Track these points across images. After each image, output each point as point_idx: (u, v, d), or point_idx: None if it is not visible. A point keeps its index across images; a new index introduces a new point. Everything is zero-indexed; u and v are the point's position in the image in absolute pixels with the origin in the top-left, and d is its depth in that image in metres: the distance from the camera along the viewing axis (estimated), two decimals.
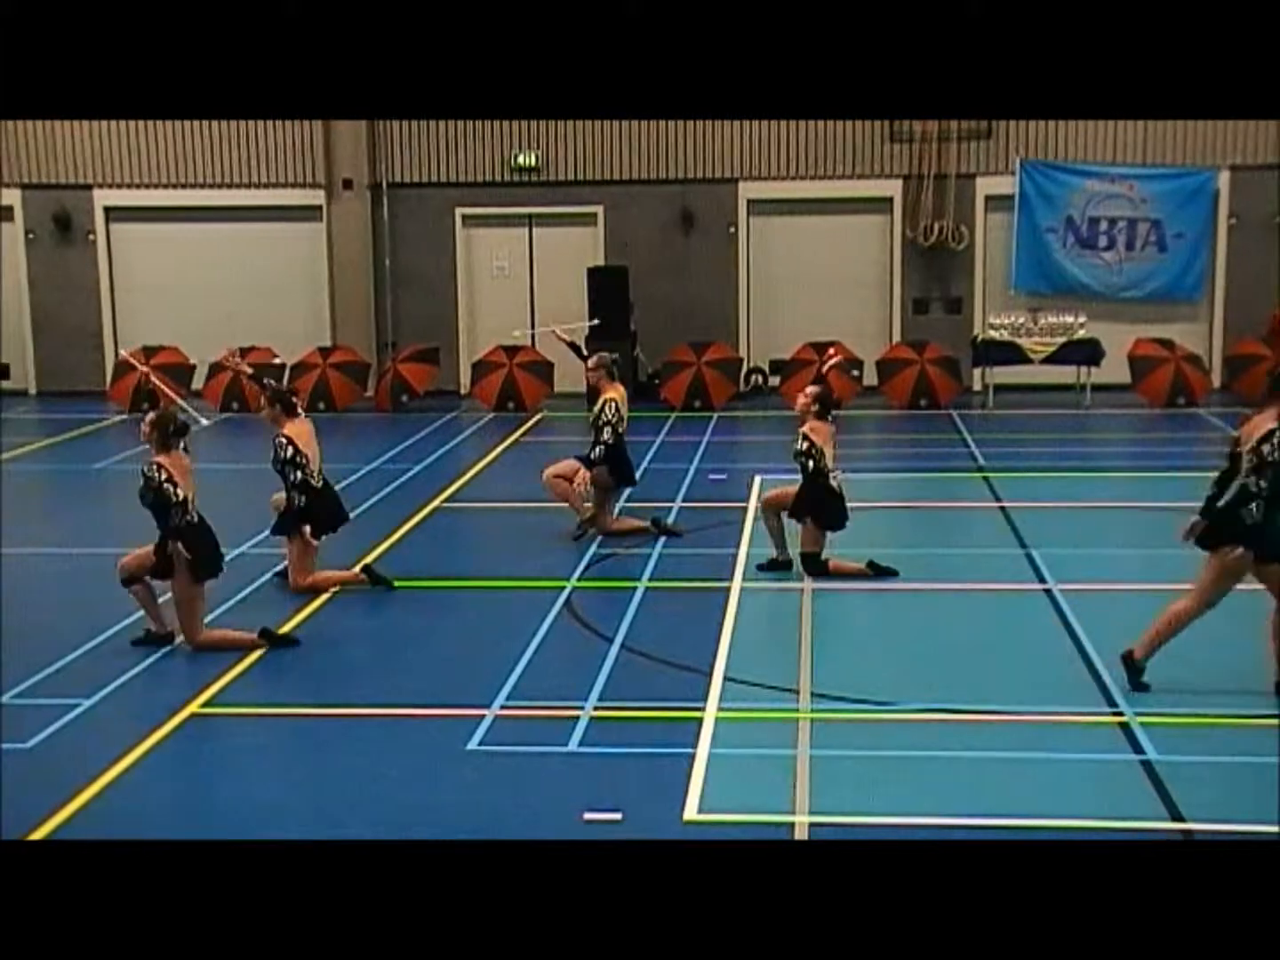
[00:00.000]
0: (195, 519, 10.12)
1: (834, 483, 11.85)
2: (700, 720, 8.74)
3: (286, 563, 11.78)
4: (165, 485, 9.96)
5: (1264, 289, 22.30)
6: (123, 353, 19.97)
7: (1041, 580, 11.74)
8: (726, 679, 9.49)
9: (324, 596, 11.55)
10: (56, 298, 24.05)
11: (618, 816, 7.38)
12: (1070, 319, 21.75)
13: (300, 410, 11.91)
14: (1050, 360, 21.65)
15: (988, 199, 22.98)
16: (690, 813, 7.46)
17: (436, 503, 15.16)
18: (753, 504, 14.41)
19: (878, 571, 11.77)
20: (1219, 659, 9.80)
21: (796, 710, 8.95)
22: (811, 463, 11.73)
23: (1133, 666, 9.16)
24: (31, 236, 24.02)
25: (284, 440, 11.45)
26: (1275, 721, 8.57)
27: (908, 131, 22.75)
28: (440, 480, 16.33)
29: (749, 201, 23.22)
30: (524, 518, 13.80)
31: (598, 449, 13.02)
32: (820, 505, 11.80)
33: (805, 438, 11.78)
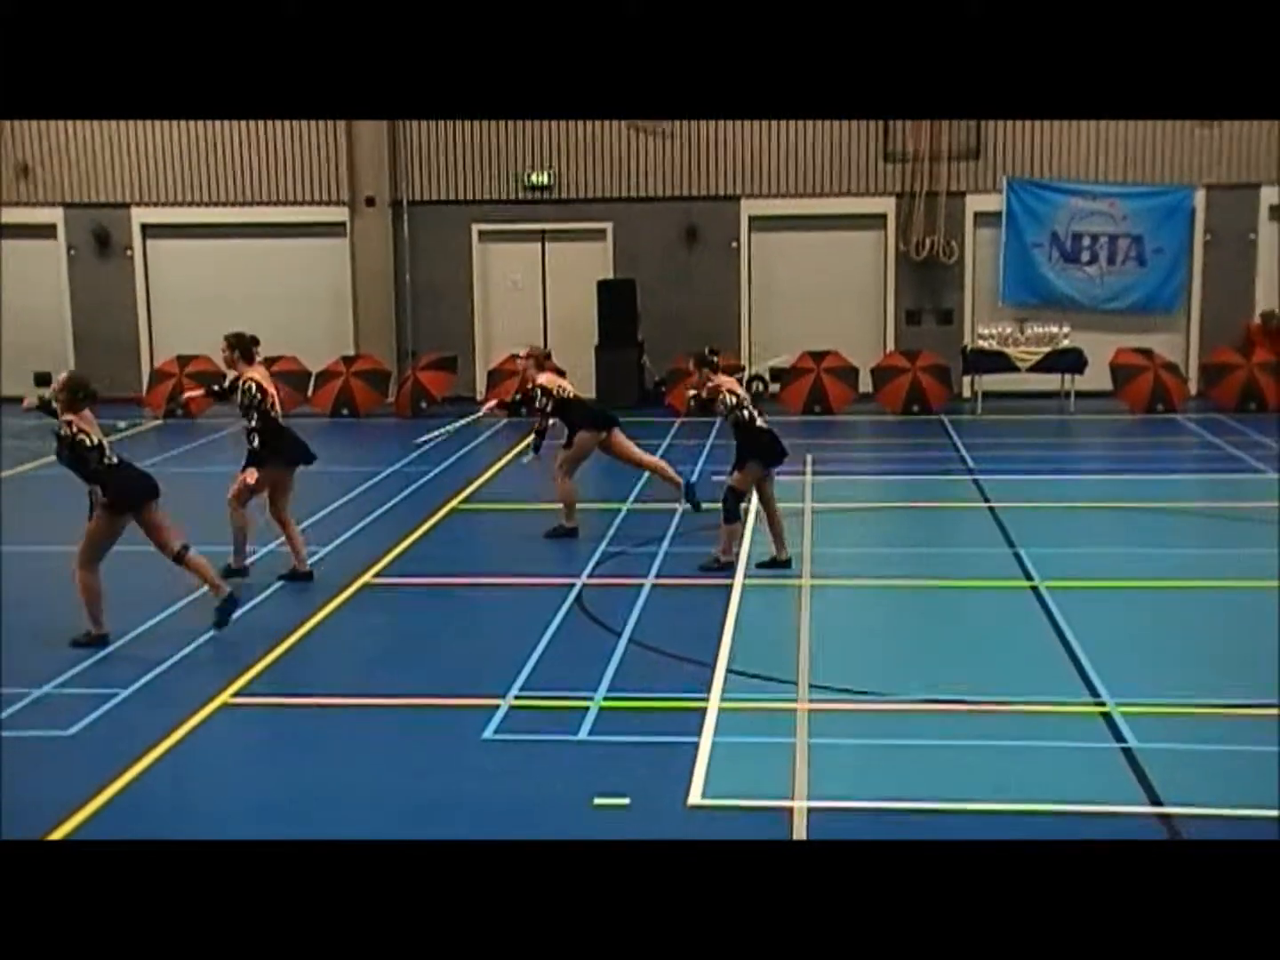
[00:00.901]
0: (114, 460, 10.24)
1: (760, 421, 11.87)
2: (704, 710, 8.72)
3: (293, 558, 11.91)
4: (79, 436, 10.10)
5: (1238, 301, 22.39)
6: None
7: (1028, 577, 11.72)
8: (729, 671, 9.47)
9: (347, 593, 11.54)
10: (96, 310, 24.09)
11: (626, 801, 7.37)
12: (1055, 329, 21.81)
13: (257, 356, 12.16)
14: (1036, 368, 21.71)
15: (977, 215, 22.97)
16: (695, 798, 7.45)
17: (454, 503, 15.16)
18: (754, 505, 14.39)
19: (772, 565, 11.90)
20: (1195, 652, 9.79)
21: (795, 701, 8.93)
22: (744, 412, 11.73)
23: None
24: (73, 253, 24.07)
25: (251, 384, 11.71)
26: (1249, 711, 8.56)
27: (901, 151, 22.76)
28: (457, 482, 16.33)
29: (750, 218, 23.22)
30: (537, 518, 13.78)
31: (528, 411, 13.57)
32: (758, 445, 11.81)
33: (723, 393, 11.76)
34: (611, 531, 13.47)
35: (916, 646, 10.21)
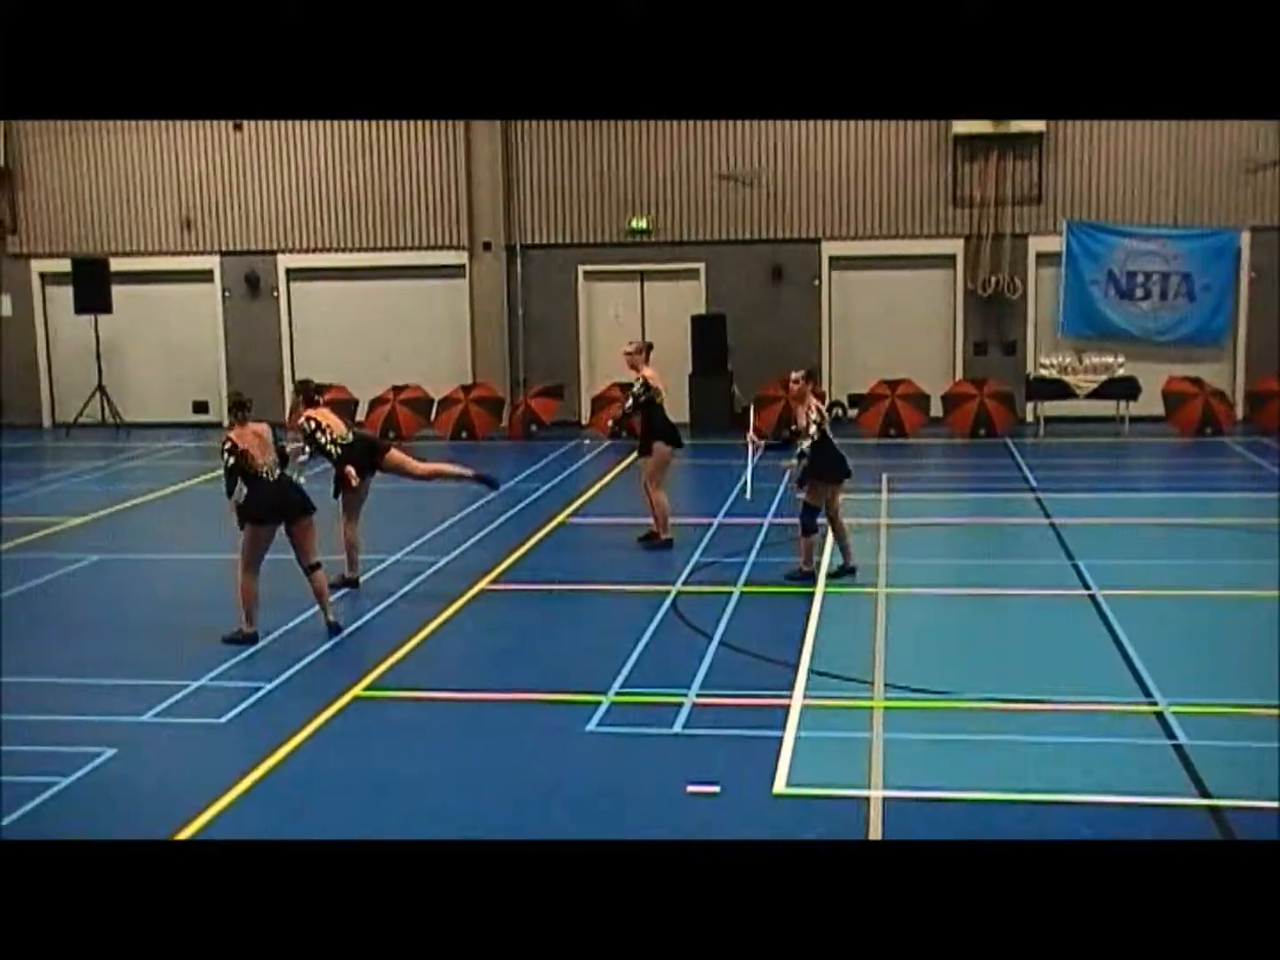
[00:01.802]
0: (268, 476, 10.36)
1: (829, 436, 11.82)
2: (788, 707, 8.68)
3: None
4: (229, 456, 10.31)
5: None
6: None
7: (1086, 587, 11.55)
8: (811, 671, 9.42)
9: (466, 598, 11.62)
10: (246, 345, 24.47)
11: (716, 789, 7.36)
12: (1111, 359, 21.51)
13: (319, 400, 12.18)
14: (1094, 395, 21.42)
15: (1038, 255, 22.71)
16: (779, 786, 7.42)
17: (561, 517, 15.21)
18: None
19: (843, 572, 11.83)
20: (1241, 656, 9.61)
21: (871, 699, 8.87)
22: (817, 430, 11.66)
23: None
24: (227, 294, 24.49)
25: (311, 421, 11.74)
26: None
27: (968, 197, 22.56)
28: (564, 498, 16.39)
29: (830, 258, 23.12)
30: (636, 531, 13.79)
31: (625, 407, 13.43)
32: (827, 463, 11.77)
33: (806, 418, 11.67)
34: (704, 543, 13.45)
35: (983, 650, 10.09)
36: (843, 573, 11.89)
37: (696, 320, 22.59)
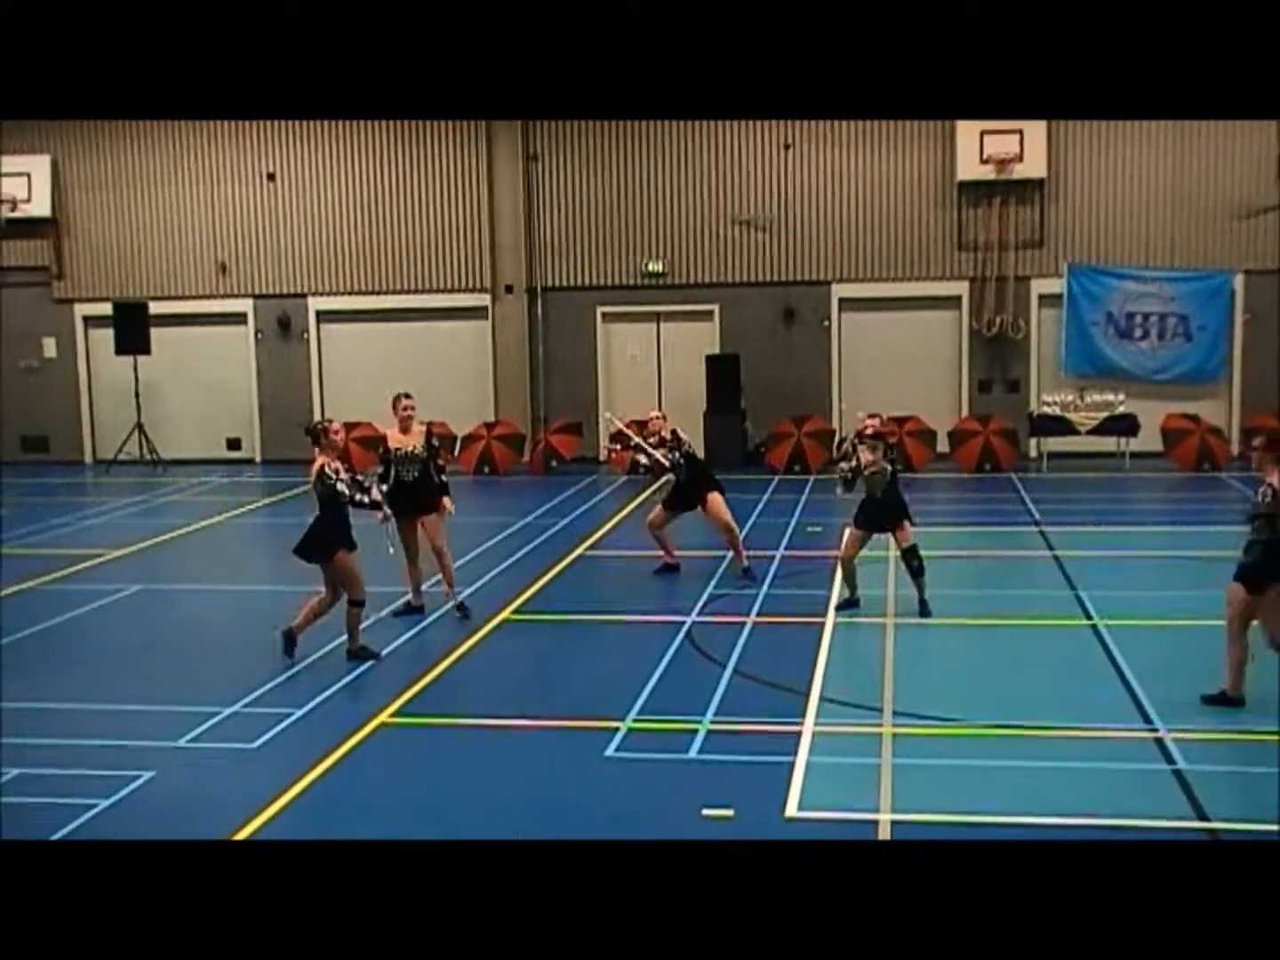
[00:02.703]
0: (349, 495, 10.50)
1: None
2: (799, 733, 8.67)
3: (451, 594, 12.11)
4: (335, 483, 10.47)
5: (1275, 372, 21.99)
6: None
7: (1088, 617, 11.53)
8: (822, 698, 9.42)
9: (489, 627, 11.64)
10: (277, 384, 24.60)
11: (730, 813, 7.35)
12: (1111, 397, 21.56)
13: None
14: (1095, 431, 21.44)
15: (1040, 297, 22.75)
16: (791, 810, 7.41)
17: (579, 550, 15.24)
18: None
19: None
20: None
21: (881, 725, 8.86)
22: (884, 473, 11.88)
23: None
24: (259, 336, 24.64)
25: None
26: None
27: (973, 241, 22.63)
28: (583, 531, 16.41)
29: (840, 299, 23.19)
30: (652, 563, 13.81)
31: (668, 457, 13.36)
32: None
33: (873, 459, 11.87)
34: (717, 575, 13.45)
35: (989, 677, 10.07)
36: (846, 605, 11.90)
37: (711, 360, 22.65)
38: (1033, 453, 22.28)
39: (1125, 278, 22.37)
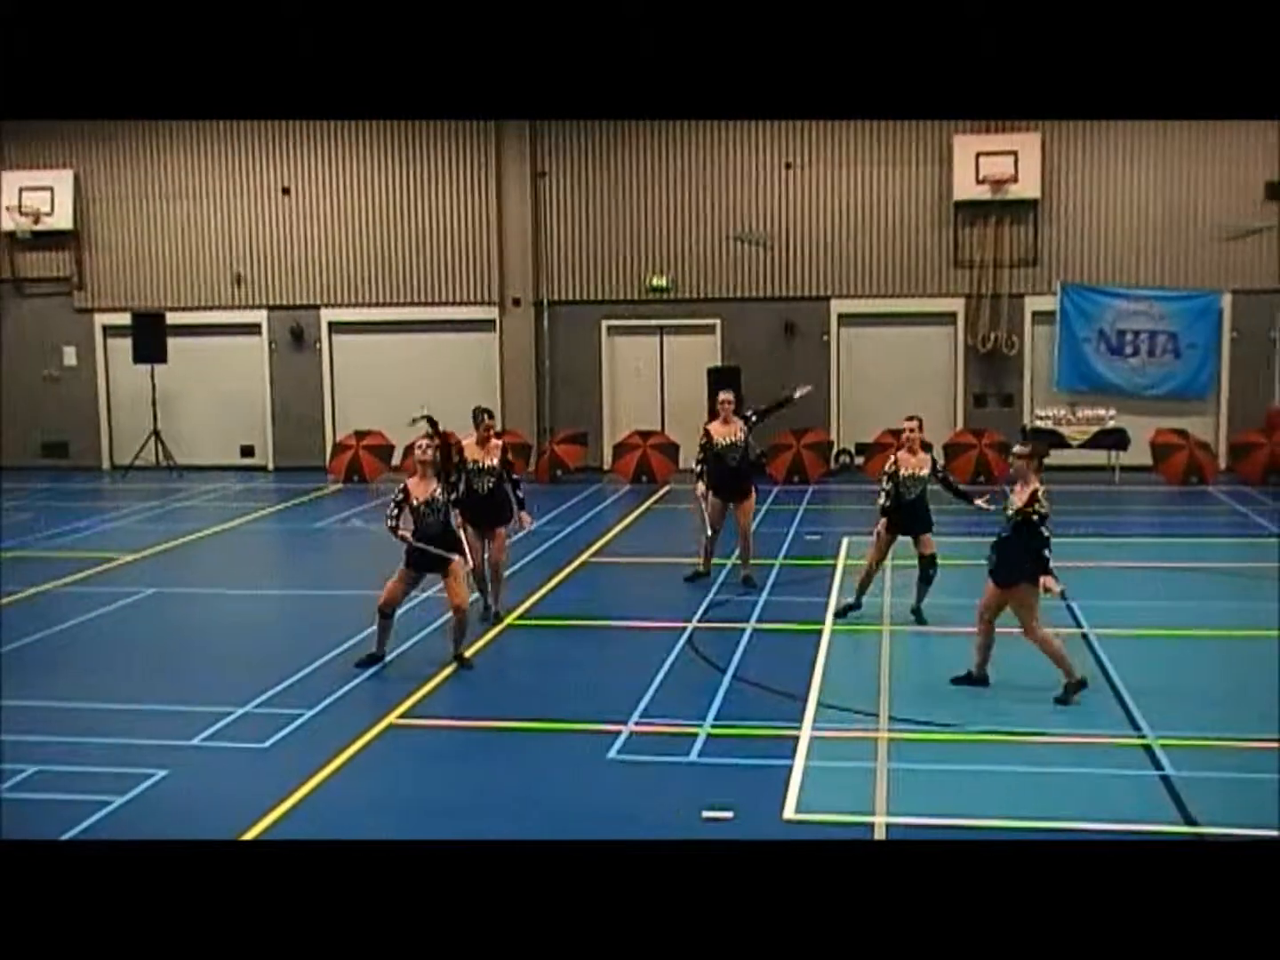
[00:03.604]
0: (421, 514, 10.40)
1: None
2: (797, 737, 8.67)
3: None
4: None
5: (1261, 389, 22.15)
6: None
7: (1079, 625, 11.52)
8: (819, 704, 9.41)
9: (494, 632, 11.64)
10: (290, 393, 24.60)
11: (729, 815, 7.34)
12: (1102, 412, 21.61)
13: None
14: (1086, 445, 21.47)
15: (1034, 314, 22.76)
16: (789, 812, 7.41)
17: (584, 557, 15.24)
18: (842, 560, 14.32)
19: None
20: (1224, 691, 9.57)
21: (877, 730, 8.85)
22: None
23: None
24: (273, 346, 24.64)
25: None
26: (1272, 743, 8.33)
27: (969, 259, 22.64)
28: (588, 539, 16.41)
29: (839, 315, 23.20)
30: (655, 570, 13.82)
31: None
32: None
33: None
34: (718, 583, 13.44)
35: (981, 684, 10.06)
36: (847, 610, 11.89)
37: (713, 372, 22.64)
38: None
39: (1117, 296, 22.40)
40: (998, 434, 21.61)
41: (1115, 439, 21.35)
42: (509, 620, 12.03)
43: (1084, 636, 11.15)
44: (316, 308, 24.38)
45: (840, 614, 11.86)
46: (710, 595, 12.85)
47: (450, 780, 8.18)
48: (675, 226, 23.32)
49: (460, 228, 23.85)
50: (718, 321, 23.40)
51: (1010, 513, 9.54)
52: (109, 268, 24.81)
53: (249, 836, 7.14)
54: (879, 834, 7.09)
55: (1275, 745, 8.37)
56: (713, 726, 8.93)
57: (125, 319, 23.96)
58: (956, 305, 22.84)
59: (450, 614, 10.50)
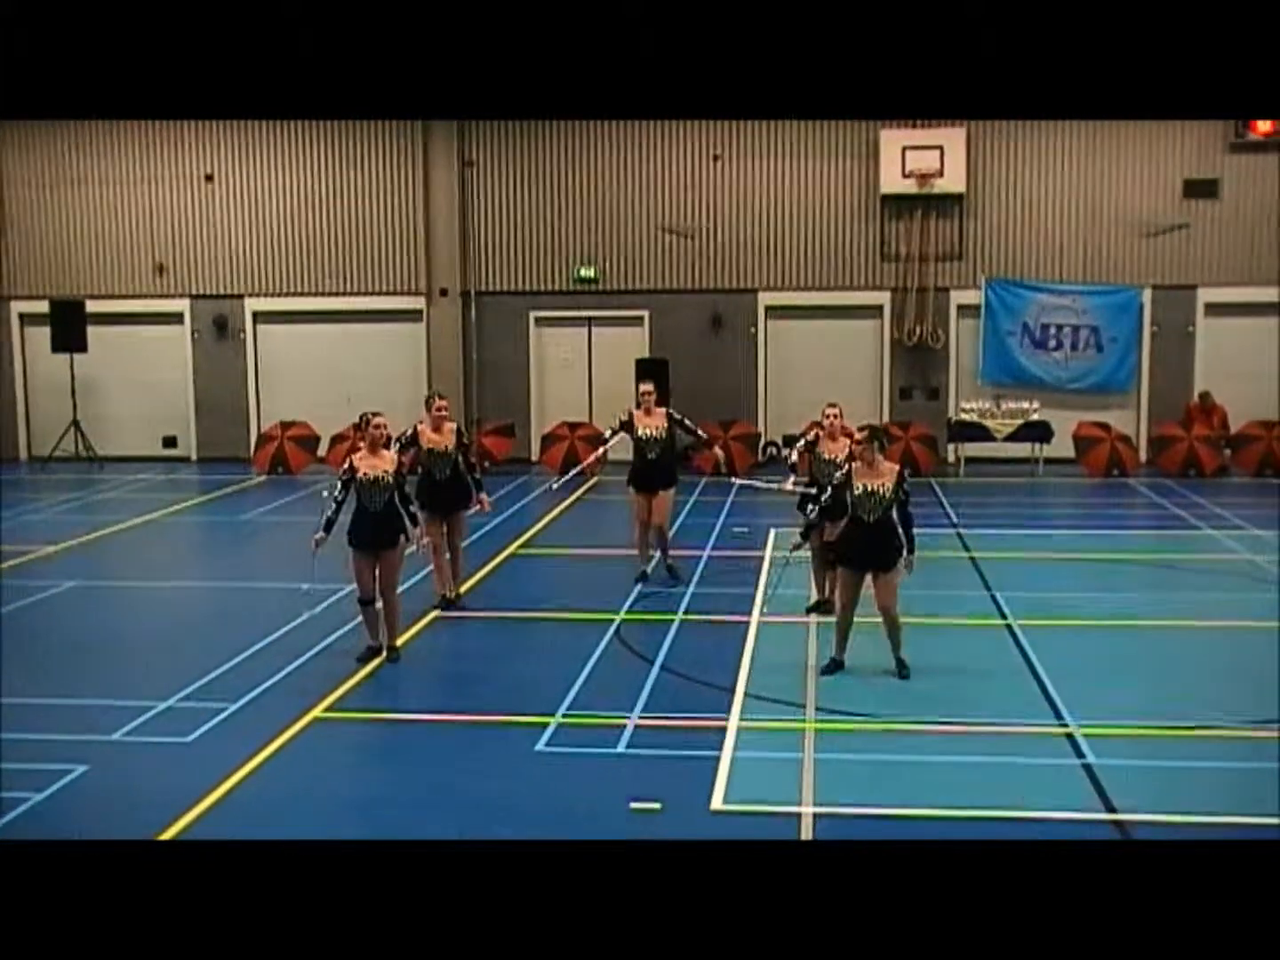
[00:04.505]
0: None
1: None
2: (725, 728, 8.70)
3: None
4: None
5: (1180, 383, 22.54)
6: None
7: (1003, 616, 11.66)
8: (747, 695, 9.45)
9: (421, 624, 11.57)
10: (213, 383, 24.29)
11: (657, 806, 7.35)
12: (1026, 405, 21.87)
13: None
14: (1010, 438, 21.74)
15: (959, 308, 22.99)
16: (717, 803, 7.43)
17: (512, 549, 15.19)
18: (769, 552, 14.38)
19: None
20: (1144, 680, 9.73)
21: (804, 721, 8.90)
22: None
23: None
24: (196, 336, 24.30)
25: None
26: (1190, 731, 8.49)
27: (896, 253, 22.83)
28: (516, 531, 16.36)
29: (767, 307, 23.30)
30: (583, 562, 13.80)
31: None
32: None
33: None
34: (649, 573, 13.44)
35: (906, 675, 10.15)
36: (819, 608, 11.74)
37: (641, 364, 22.63)
38: (950, 458, 22.52)
39: (1040, 291, 22.68)
40: (923, 427, 21.83)
41: (1039, 432, 21.65)
42: (435, 613, 11.96)
43: (1008, 627, 11.29)
44: (241, 297, 24.08)
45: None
46: (638, 587, 12.86)
47: (376, 774, 8.12)
48: (604, 217, 23.29)
49: (387, 217, 23.66)
50: (646, 313, 23.41)
51: (882, 495, 9.71)
52: (27, 254, 24.33)
53: (171, 831, 7.04)
54: (805, 824, 7.13)
55: (1194, 733, 8.53)
56: (640, 717, 8.94)
57: (43, 307, 23.53)
58: (883, 299, 23.03)
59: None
